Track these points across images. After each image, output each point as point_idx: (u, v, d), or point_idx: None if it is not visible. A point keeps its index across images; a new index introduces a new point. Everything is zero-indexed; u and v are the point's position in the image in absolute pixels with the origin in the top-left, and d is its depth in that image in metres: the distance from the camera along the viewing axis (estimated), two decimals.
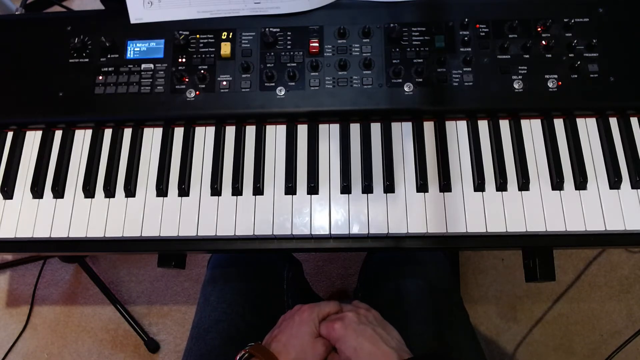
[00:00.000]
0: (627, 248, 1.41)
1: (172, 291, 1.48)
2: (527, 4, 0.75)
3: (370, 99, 0.73)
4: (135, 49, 0.76)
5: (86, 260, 1.48)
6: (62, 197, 0.74)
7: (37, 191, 0.74)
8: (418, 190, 0.71)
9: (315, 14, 0.76)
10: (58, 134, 0.77)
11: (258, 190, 0.71)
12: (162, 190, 0.72)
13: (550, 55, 0.73)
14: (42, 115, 0.76)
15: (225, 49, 0.75)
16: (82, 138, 0.77)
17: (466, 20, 0.74)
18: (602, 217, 0.68)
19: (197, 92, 0.74)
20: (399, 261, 0.86)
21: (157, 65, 0.76)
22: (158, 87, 0.74)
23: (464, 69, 0.73)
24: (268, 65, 0.75)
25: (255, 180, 0.72)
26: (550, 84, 0.72)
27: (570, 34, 0.74)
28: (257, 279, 0.87)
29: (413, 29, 0.75)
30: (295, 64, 0.74)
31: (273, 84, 0.74)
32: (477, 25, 0.75)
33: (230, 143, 0.75)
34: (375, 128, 0.74)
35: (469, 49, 0.74)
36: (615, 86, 0.72)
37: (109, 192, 0.73)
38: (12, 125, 0.78)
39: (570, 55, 0.73)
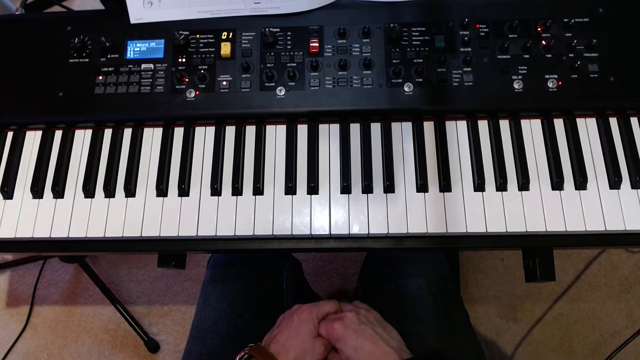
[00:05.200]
0: (627, 248, 1.41)
1: (172, 291, 1.48)
2: (527, 4, 0.75)
3: (370, 99, 0.73)
4: (135, 49, 0.76)
5: (86, 260, 1.48)
6: (62, 197, 0.74)
7: (37, 191, 0.74)
8: (418, 190, 0.71)
9: (315, 14, 0.76)
10: (58, 134, 0.77)
11: (258, 190, 0.71)
12: (162, 190, 0.72)
13: (550, 55, 0.73)
14: (42, 115, 0.76)
15: (225, 49, 0.75)
16: (82, 138, 0.77)
17: (466, 20, 0.74)
18: (602, 217, 0.68)
19: (197, 92, 0.74)
20: (399, 261, 0.86)
21: (157, 65, 0.76)
22: (158, 87, 0.74)
23: (464, 69, 0.73)
24: (268, 65, 0.75)
25: (255, 180, 0.72)
26: (550, 84, 0.72)
27: (570, 34, 0.74)
28: (256, 279, 0.87)
29: (413, 29, 0.75)
30: (295, 64, 0.74)
31: (273, 84, 0.74)
32: (477, 25, 0.75)
33: (230, 143, 0.75)
34: (375, 128, 0.74)
35: (469, 49, 0.74)
36: (615, 86, 0.72)
37: (109, 192, 0.73)
38: (12, 125, 0.78)
39: (570, 55, 0.73)
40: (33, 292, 1.48)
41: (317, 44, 0.75)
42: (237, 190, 0.72)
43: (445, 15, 0.75)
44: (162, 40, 0.76)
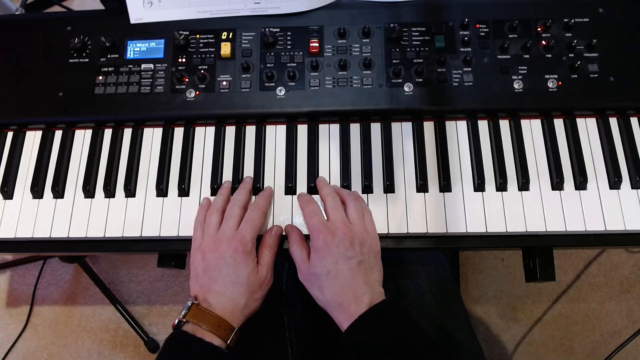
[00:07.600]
0: (627, 248, 1.41)
1: (172, 291, 1.48)
2: (527, 4, 0.75)
3: (370, 99, 0.72)
4: (135, 49, 0.76)
5: (86, 260, 1.48)
6: (62, 197, 0.74)
7: (37, 191, 0.74)
8: (418, 190, 0.71)
9: (315, 14, 0.76)
10: (58, 134, 0.77)
11: (258, 190, 0.71)
12: (162, 190, 0.72)
13: (550, 55, 0.73)
14: (42, 115, 0.76)
15: (225, 49, 0.75)
16: (82, 138, 0.77)
17: (466, 20, 0.74)
18: (602, 217, 0.68)
19: (197, 92, 0.74)
20: (399, 261, 0.86)
21: (157, 65, 0.75)
22: (158, 87, 0.74)
23: (464, 69, 0.73)
24: (268, 65, 0.75)
25: (255, 180, 0.72)
26: (550, 84, 0.72)
27: (570, 34, 0.74)
28: None
29: (413, 29, 0.75)
30: (295, 64, 0.74)
31: (273, 84, 0.74)
32: (477, 25, 0.75)
33: (230, 143, 0.75)
34: (375, 128, 0.74)
35: (469, 49, 0.74)
36: (615, 86, 0.72)
37: (109, 192, 0.73)
38: (12, 125, 0.78)
39: (570, 55, 0.73)
40: (33, 292, 1.48)
41: (317, 44, 0.75)
42: None
43: (445, 15, 0.75)
44: (162, 40, 0.76)
